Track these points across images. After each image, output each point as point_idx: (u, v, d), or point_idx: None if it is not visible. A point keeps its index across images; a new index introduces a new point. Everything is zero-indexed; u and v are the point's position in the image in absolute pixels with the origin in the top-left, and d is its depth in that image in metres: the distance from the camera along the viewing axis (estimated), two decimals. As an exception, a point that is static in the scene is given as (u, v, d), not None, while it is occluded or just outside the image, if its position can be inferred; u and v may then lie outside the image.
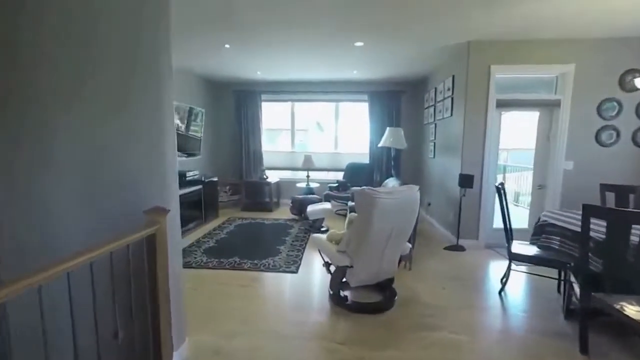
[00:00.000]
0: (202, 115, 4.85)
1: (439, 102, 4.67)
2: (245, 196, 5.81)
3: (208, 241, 3.92)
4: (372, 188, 2.12)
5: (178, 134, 4.46)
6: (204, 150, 5.63)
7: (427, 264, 3.35)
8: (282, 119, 6.47)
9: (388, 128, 4.98)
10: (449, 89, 4.24)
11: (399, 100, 5.89)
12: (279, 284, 2.84)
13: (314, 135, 6.53)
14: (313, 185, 5.90)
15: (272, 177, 6.12)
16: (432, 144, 4.98)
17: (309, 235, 4.23)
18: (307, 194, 5.84)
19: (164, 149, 1.70)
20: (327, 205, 4.52)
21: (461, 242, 3.89)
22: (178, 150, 4.80)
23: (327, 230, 4.48)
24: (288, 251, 3.63)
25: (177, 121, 4.43)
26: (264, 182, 5.74)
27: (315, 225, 4.46)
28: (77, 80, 1.49)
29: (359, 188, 2.14)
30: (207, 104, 5.92)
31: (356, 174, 5.88)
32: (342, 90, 6.01)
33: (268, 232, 4.39)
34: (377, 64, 4.69)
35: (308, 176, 5.93)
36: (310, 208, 4.53)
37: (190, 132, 4.72)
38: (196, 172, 4.64)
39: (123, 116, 1.58)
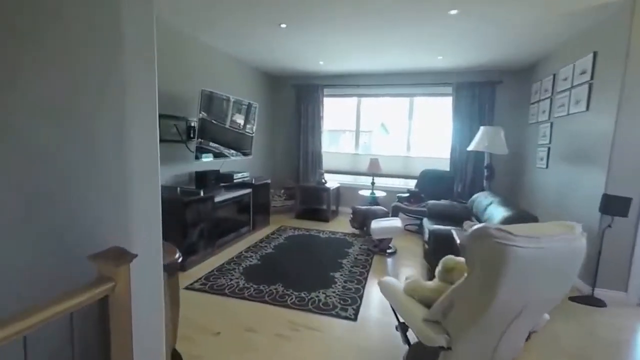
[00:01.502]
0: (256, 110, 4.36)
1: (560, 92, 3.39)
2: (300, 202, 5.21)
3: (251, 256, 3.35)
4: (500, 227, 1.19)
5: (234, 130, 4.02)
6: (256, 150, 5.17)
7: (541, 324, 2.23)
8: (345, 117, 5.70)
9: (482, 128, 3.84)
10: (583, 73, 2.98)
11: (492, 93, 4.65)
12: (328, 339, 2.06)
13: (379, 137, 5.62)
14: (378, 193, 5.01)
15: (331, 181, 5.40)
16: (545, 149, 3.69)
17: (372, 258, 3.39)
18: (371, 204, 4.98)
19: (121, 148, 1.05)
20: (396, 222, 3.61)
21: (598, 292, 2.64)
22: (233, 149, 4.47)
23: (394, 252, 3.59)
24: (345, 281, 2.84)
25: (238, 118, 3.99)
26: (321, 188, 5.06)
27: (381, 246, 3.58)
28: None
29: (478, 225, 1.23)
30: (262, 99, 5.47)
31: (432, 184, 4.82)
32: (419, 83, 4.99)
33: (322, 249, 3.66)
34: (471, 44, 3.61)
35: (373, 183, 5.06)
36: (375, 224, 3.68)
37: (246, 130, 4.27)
38: (246, 174, 4.17)
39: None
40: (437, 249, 2.61)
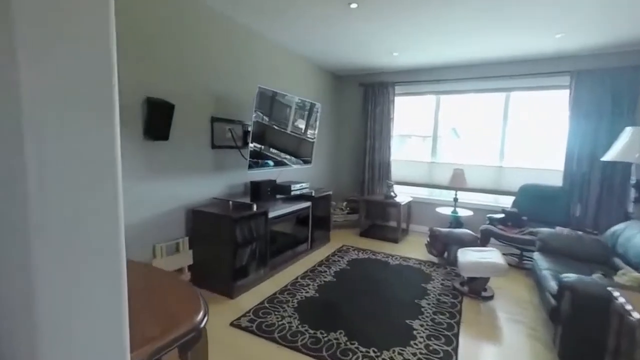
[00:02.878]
0: (318, 112, 3.87)
1: None
2: (364, 217, 4.55)
3: (308, 285, 2.82)
4: None
5: (294, 135, 3.59)
6: (316, 158, 4.68)
7: None
8: (419, 119, 4.89)
9: (630, 129, 2.73)
10: None
11: (635, 82, 3.39)
12: None
13: (457, 142, 4.66)
14: (462, 212, 4.09)
15: (402, 195, 4.63)
16: None
17: (460, 302, 2.57)
18: (452, 225, 4.09)
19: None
20: (494, 257, 2.71)
21: None
22: (292, 156, 4.05)
23: (492, 297, 2.65)
24: (429, 336, 2.11)
25: (299, 121, 3.56)
26: (390, 202, 4.33)
27: (472, 287, 2.73)
28: None
29: None
30: (325, 101, 4.98)
31: (536, 203, 3.73)
32: (521, 74, 3.95)
33: (394, 282, 2.96)
34: (611, 11, 2.56)
35: (456, 199, 4.15)
36: (463, 255, 2.84)
37: (307, 135, 3.82)
38: (305, 185, 3.69)
39: None
40: (578, 314, 1.72)
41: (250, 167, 2.92)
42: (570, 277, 1.84)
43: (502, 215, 3.68)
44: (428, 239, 3.63)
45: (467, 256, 2.81)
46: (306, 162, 3.90)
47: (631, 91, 3.40)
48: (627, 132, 2.72)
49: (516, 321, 2.37)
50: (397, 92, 4.79)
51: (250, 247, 2.75)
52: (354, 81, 5.12)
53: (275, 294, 2.64)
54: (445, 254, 3.56)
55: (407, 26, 3.10)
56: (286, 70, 3.95)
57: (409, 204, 4.58)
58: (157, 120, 2.38)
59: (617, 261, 2.41)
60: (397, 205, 4.22)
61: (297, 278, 2.96)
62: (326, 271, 3.13)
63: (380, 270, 3.22)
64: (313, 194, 3.71)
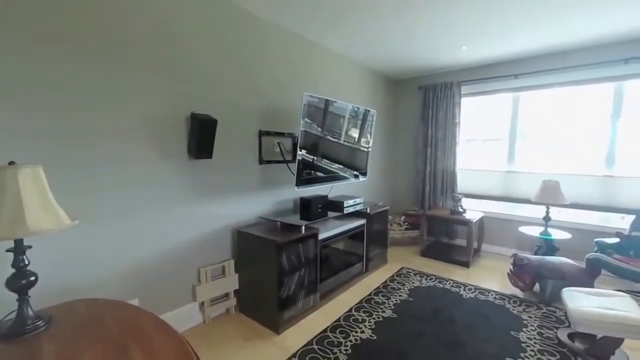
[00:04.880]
0: (373, 119, 3.45)
1: None
2: (426, 234, 3.98)
3: (363, 322, 2.39)
4: None
5: (349, 146, 3.24)
6: (371, 169, 4.26)
7: None
8: (490, 122, 4.17)
9: None
10: None
11: None
12: None
13: (542, 147, 3.81)
14: (557, 234, 3.30)
15: (471, 210, 3.96)
16: None
17: (570, 365, 1.92)
18: (543, 251, 3.34)
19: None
20: (626, 305, 1.99)
21: None
22: (348, 167, 3.66)
23: None
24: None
25: (352, 130, 3.21)
26: (458, 218, 3.71)
27: (596, 351, 2.03)
28: None
29: None
30: (380, 108, 4.53)
31: (669, 225, 2.80)
32: (625, 58, 3.07)
33: (472, 324, 2.39)
34: None
35: (548, 218, 3.37)
36: (572, 300, 2.15)
37: (361, 145, 3.44)
38: (359, 200, 3.29)
39: None
40: None
41: (298, 184, 2.62)
42: None
43: (617, 240, 2.84)
44: (512, 268, 2.95)
45: (581, 302, 2.12)
46: (361, 174, 3.51)
47: None
48: None
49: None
50: (464, 93, 4.15)
51: (299, 274, 2.44)
52: (412, 84, 4.61)
53: (325, 330, 2.28)
54: (537, 287, 2.85)
55: (483, 14, 2.55)
56: (338, 77, 3.63)
57: (481, 220, 3.88)
58: (201, 137, 2.21)
59: None
60: (467, 222, 3.58)
61: (350, 310, 2.56)
62: (385, 303, 2.67)
63: (452, 305, 2.66)
64: (368, 211, 3.29)
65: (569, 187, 3.39)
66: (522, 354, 2.02)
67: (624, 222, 3.14)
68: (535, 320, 2.43)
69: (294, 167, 2.66)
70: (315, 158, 2.82)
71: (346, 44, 3.34)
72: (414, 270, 3.39)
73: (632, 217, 2.99)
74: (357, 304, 2.67)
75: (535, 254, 3.35)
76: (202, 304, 2.35)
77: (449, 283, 3.07)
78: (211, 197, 2.40)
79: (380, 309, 2.58)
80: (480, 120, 4.28)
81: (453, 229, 4.25)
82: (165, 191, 2.11)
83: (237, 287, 2.51)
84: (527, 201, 3.68)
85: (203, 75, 2.28)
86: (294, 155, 2.93)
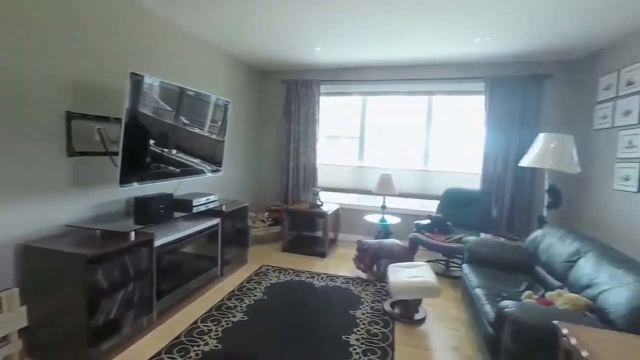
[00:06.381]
0: (226, 109, 3.21)
1: (665, 84, 2.32)
2: (288, 229, 4.05)
3: (209, 332, 2.17)
4: None
5: (200, 137, 2.88)
6: (231, 164, 4.04)
7: None
8: (346, 121, 4.60)
9: (544, 135, 2.76)
10: None
11: (540, 90, 3.59)
12: None
13: (385, 145, 4.51)
14: (391, 219, 3.89)
15: (329, 203, 4.26)
16: (634, 165, 2.61)
17: (392, 331, 2.24)
18: (382, 235, 3.86)
19: None
20: (425, 273, 2.47)
21: None
22: (201, 160, 3.27)
23: (424, 320, 2.24)
24: (357, 390, 1.69)
25: (204, 120, 2.85)
26: (316, 212, 3.91)
27: (405, 311, 2.43)
28: None
29: None
30: (243, 99, 4.35)
31: (459, 208, 3.72)
32: (442, 77, 3.92)
33: (319, 312, 2.50)
34: (523, 19, 2.53)
35: (384, 207, 3.93)
36: (394, 273, 2.55)
37: (215, 137, 3.15)
38: (213, 198, 3.01)
39: None
40: (522, 351, 1.47)
41: (125, 181, 2.13)
42: (510, 305, 1.60)
43: (428, 222, 3.56)
44: (356, 253, 3.30)
45: (398, 274, 2.51)
46: (215, 166, 3.22)
47: (535, 98, 3.58)
48: (541, 138, 2.75)
49: (451, 348, 2.12)
50: (323, 92, 4.41)
51: (125, 292, 1.99)
52: (276, 77, 4.59)
53: (160, 353, 1.93)
54: (375, 268, 3.27)
55: (329, 19, 2.69)
56: (190, 60, 3.20)
57: (336, 212, 4.23)
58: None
59: (539, 270, 2.35)
60: (323, 215, 3.82)
61: (196, 321, 2.28)
62: (237, 306, 2.51)
63: (304, 296, 2.74)
64: (224, 209, 3.05)
65: (399, 180, 4.05)
66: (355, 330, 2.23)
67: (435, 206, 3.97)
68: (370, 296, 2.77)
69: (115, 160, 2.14)
70: (155, 149, 2.38)
71: (200, 26, 2.97)
72: (273, 267, 3.37)
73: (437, 202, 3.82)
74: (206, 313, 2.40)
75: (376, 238, 3.86)
76: (-45, 359, 1.60)
77: (305, 275, 3.18)
78: (-30, 202, 1.66)
79: (231, 313, 2.40)
80: (337, 119, 4.64)
81: (314, 221, 4.49)
82: None
83: (25, 324, 1.84)
84: (371, 192, 4.22)
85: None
86: (128, 146, 2.38)
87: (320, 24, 2.87)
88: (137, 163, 2.28)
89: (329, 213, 3.84)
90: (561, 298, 1.66)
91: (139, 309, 2.09)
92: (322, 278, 3.13)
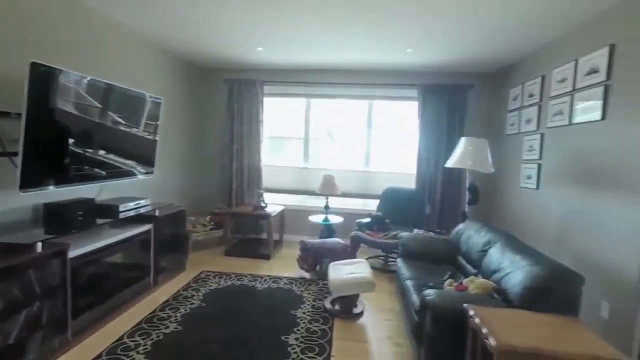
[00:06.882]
0: (158, 107, 3.01)
1: (556, 97, 2.76)
2: (231, 232, 3.93)
3: (136, 347, 2.01)
4: None
5: (127, 136, 2.65)
6: (166, 165, 3.81)
7: None
8: (291, 122, 4.62)
9: (464, 139, 3.07)
10: (593, 72, 2.33)
11: (464, 99, 4.00)
12: None
13: (332, 147, 4.64)
14: (334, 219, 4.00)
15: (274, 204, 4.23)
16: (534, 166, 3.05)
17: (331, 328, 2.30)
18: (325, 234, 3.94)
19: None
20: (363, 269, 2.59)
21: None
22: (134, 161, 2.99)
23: (362, 313, 2.38)
24: (293, 389, 1.70)
25: (133, 118, 2.62)
26: (260, 214, 3.85)
27: (344, 307, 2.52)
28: None
29: None
30: (184, 98, 4.12)
31: (397, 206, 3.96)
32: (381, 83, 4.14)
33: (259, 315, 2.47)
34: (447, 35, 2.82)
35: (327, 207, 4.03)
36: (334, 271, 2.62)
37: (146, 136, 2.93)
38: (144, 202, 2.79)
39: None
40: (440, 334, 1.63)
41: (27, 185, 1.87)
42: (430, 294, 1.75)
43: (369, 220, 3.73)
44: (299, 253, 3.33)
45: (337, 272, 2.59)
46: (146, 167, 3.00)
47: (460, 106, 3.97)
48: (462, 142, 3.07)
49: (384, 338, 2.25)
50: (267, 92, 4.37)
51: (29, 312, 1.74)
52: (219, 76, 4.42)
53: (74, 377, 1.74)
54: (318, 267, 3.33)
55: (269, 21, 2.69)
56: (118, 52, 2.93)
57: (281, 214, 4.22)
58: None
59: (461, 259, 2.62)
60: (267, 216, 3.78)
61: (122, 337, 2.09)
62: (170, 317, 2.36)
63: (245, 300, 2.68)
64: (157, 213, 2.85)
65: (342, 180, 4.18)
66: (295, 330, 2.25)
67: (375, 205, 4.18)
68: (312, 295, 2.81)
69: (15, 161, 1.87)
70: (76, 149, 2.13)
71: (133, 19, 2.76)
72: (214, 272, 3.24)
73: (378, 201, 4.03)
74: (135, 327, 2.22)
75: (320, 238, 3.93)
76: None
77: (247, 278, 3.12)
78: None
79: (164, 325, 2.25)
80: (282, 120, 4.63)
81: (258, 224, 4.41)
82: None
83: None
84: (315, 193, 4.28)
85: None
86: (32, 144, 2.09)
87: (258, 25, 2.84)
88: (50, 164, 2.03)
89: (273, 214, 3.81)
90: (473, 283, 1.87)
91: (49, 330, 1.85)
92: (265, 280, 3.09)
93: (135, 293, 2.61)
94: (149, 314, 2.39)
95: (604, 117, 2.25)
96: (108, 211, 2.49)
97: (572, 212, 2.53)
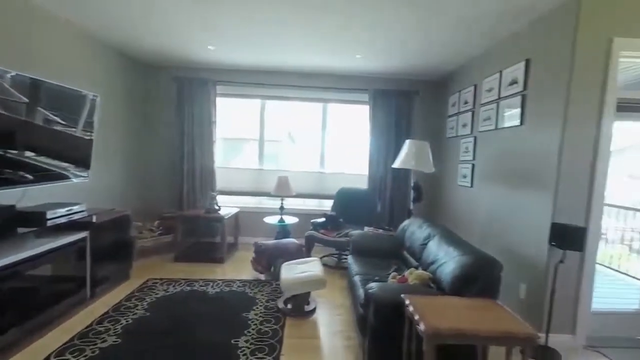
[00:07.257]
0: (94, 104, 2.80)
1: (485, 105, 3.07)
2: (182, 237, 3.78)
3: (70, 363, 1.86)
4: None
5: (60, 136, 2.41)
6: (106, 167, 3.57)
7: None
8: (246, 123, 4.56)
9: (408, 142, 3.27)
10: (513, 83, 2.65)
11: (410, 104, 4.26)
12: None
13: (288, 149, 4.68)
14: (289, 219, 4.02)
15: (228, 206, 4.15)
16: (468, 166, 3.35)
17: (282, 327, 2.32)
18: (280, 235, 3.95)
19: None
20: (314, 268, 2.64)
21: (552, 339, 2.22)
22: (68, 163, 2.72)
23: (314, 310, 2.47)
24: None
25: (67, 117, 2.40)
26: (212, 217, 3.75)
27: (296, 305, 2.56)
28: None
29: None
30: (128, 96, 3.88)
31: (351, 205, 4.10)
32: (334, 87, 4.26)
33: (209, 320, 2.41)
34: (391, 43, 3.00)
35: (282, 208, 4.04)
36: (286, 271, 2.64)
37: (81, 135, 2.70)
38: (77, 208, 2.58)
39: None
40: (381, 324, 1.73)
41: None
42: (373, 287, 1.85)
43: (324, 219, 3.82)
44: (254, 255, 3.30)
45: (289, 272, 2.62)
46: (82, 175, 2.78)
47: (407, 111, 4.23)
48: (406, 144, 3.27)
49: (335, 333, 2.33)
50: (220, 92, 4.26)
51: None
52: (167, 74, 4.22)
53: (-8, 403, 1.56)
54: (272, 268, 3.33)
55: (218, 18, 2.64)
56: (45, 43, 2.67)
57: (236, 216, 4.14)
58: None
59: (405, 254, 2.79)
60: (220, 219, 3.69)
61: (49, 357, 1.92)
62: (109, 330, 2.21)
63: (195, 306, 2.59)
64: (94, 219, 2.65)
65: (297, 181, 4.23)
66: (246, 332, 2.24)
67: (329, 205, 4.28)
68: (265, 296, 2.81)
69: None
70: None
71: (66, 9, 2.53)
72: (162, 279, 3.09)
73: (332, 201, 4.14)
74: (65, 344, 2.04)
75: (276, 239, 3.93)
76: None
77: (199, 284, 3.02)
78: None
79: (101, 339, 2.10)
80: (236, 121, 4.55)
81: (211, 227, 4.29)
82: None
83: None
84: (270, 195, 4.27)
85: None
86: None
87: (205, 22, 2.79)
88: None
89: (226, 217, 3.73)
90: (412, 275, 2.02)
91: (-42, 354, 1.64)
92: (217, 284, 3.02)
93: (69, 307, 2.39)
94: (84, 328, 2.22)
95: (522, 122, 2.55)
96: (32, 219, 2.25)
97: (497, 206, 2.84)
